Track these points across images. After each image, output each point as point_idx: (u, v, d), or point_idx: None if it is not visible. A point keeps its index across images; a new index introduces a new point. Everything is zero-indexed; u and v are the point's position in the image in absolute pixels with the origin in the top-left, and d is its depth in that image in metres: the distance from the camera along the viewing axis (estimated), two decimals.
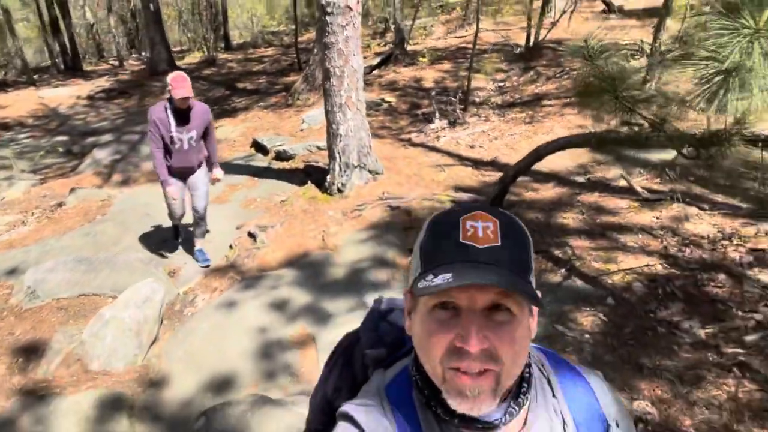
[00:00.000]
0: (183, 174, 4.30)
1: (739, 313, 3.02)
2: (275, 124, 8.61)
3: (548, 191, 4.96)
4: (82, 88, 13.53)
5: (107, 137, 9.01)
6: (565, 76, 7.74)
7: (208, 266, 4.58)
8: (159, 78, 13.56)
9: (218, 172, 4.46)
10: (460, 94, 7.70)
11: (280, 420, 2.53)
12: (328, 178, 5.57)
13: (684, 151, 3.07)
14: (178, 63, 14.82)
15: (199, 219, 4.50)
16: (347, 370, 0.92)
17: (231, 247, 4.88)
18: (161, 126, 3.98)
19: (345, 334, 0.98)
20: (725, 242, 3.68)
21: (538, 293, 0.69)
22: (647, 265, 3.55)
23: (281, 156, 7.03)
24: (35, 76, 15.60)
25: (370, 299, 3.77)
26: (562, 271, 3.64)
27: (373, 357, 0.88)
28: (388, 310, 0.95)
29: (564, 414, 0.77)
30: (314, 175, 6.06)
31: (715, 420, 2.38)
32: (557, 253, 3.84)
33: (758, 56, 1.79)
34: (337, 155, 5.38)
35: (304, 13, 22.23)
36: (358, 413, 0.76)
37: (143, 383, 3.24)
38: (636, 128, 3.13)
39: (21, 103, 12.45)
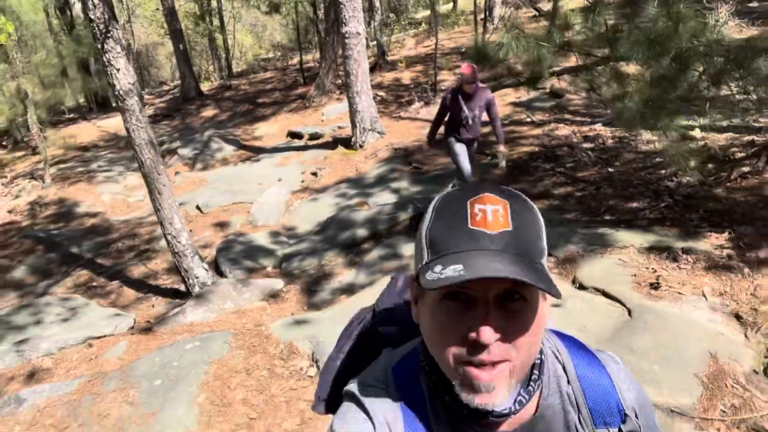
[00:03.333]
0: (470, 142, 5.30)
1: (568, 158, 6.39)
2: (301, 120, 11.94)
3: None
4: None
5: (177, 144, 12.25)
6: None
7: None
8: (191, 102, 16.90)
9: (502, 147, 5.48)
10: (430, 84, 11.11)
11: (365, 213, 5.85)
12: (352, 139, 8.90)
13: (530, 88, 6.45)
14: (202, 89, 18.13)
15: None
16: (359, 345, 0.93)
17: (302, 180, 8.17)
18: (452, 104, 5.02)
19: (360, 309, 0.97)
20: (571, 135, 7.08)
21: (553, 278, 0.65)
22: (531, 149, 6.93)
23: (314, 137, 10.35)
24: (72, 114, 18.89)
25: (394, 185, 7.10)
26: (489, 157, 7.00)
27: (386, 335, 0.88)
28: (405, 288, 0.94)
29: (579, 402, 0.76)
30: (341, 142, 9.39)
31: (549, 188, 5.73)
32: (487, 151, 7.21)
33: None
34: (357, 124, 8.72)
35: (293, 40, 25.77)
36: (363, 394, 0.75)
37: (285, 228, 6.52)
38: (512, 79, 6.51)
39: (85, 131, 15.64)
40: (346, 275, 5.04)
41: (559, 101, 8.35)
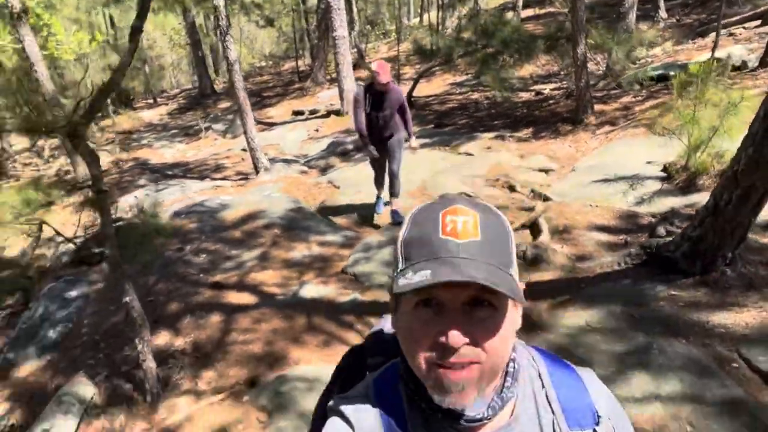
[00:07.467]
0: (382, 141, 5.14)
1: (473, 108, 10.63)
2: (301, 104, 16.06)
3: (433, 99, 12.57)
4: (159, 110, 20.78)
5: (208, 123, 16.25)
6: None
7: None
8: (208, 98, 20.93)
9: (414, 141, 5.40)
10: (395, 75, 15.34)
11: (351, 138, 10.00)
12: (342, 110, 13.07)
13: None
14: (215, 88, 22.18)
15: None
16: (349, 377, 0.94)
17: (308, 134, 12.27)
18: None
19: (349, 349, 1.02)
20: (479, 97, 11.33)
21: (521, 285, 0.71)
22: (454, 105, 11.17)
23: (313, 112, 14.46)
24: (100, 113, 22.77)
25: None
26: (428, 110, 11.23)
27: (374, 364, 0.91)
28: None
29: (554, 406, 0.79)
30: (334, 113, 13.53)
31: (457, 120, 9.94)
32: (427, 111, 11.43)
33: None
34: (344, 99, 12.88)
35: (281, 48, 30.01)
36: (345, 406, 0.79)
37: (302, 155, 10.61)
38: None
39: (125, 120, 19.56)
40: (341, 166, 9.16)
41: (479, 80, 12.62)
